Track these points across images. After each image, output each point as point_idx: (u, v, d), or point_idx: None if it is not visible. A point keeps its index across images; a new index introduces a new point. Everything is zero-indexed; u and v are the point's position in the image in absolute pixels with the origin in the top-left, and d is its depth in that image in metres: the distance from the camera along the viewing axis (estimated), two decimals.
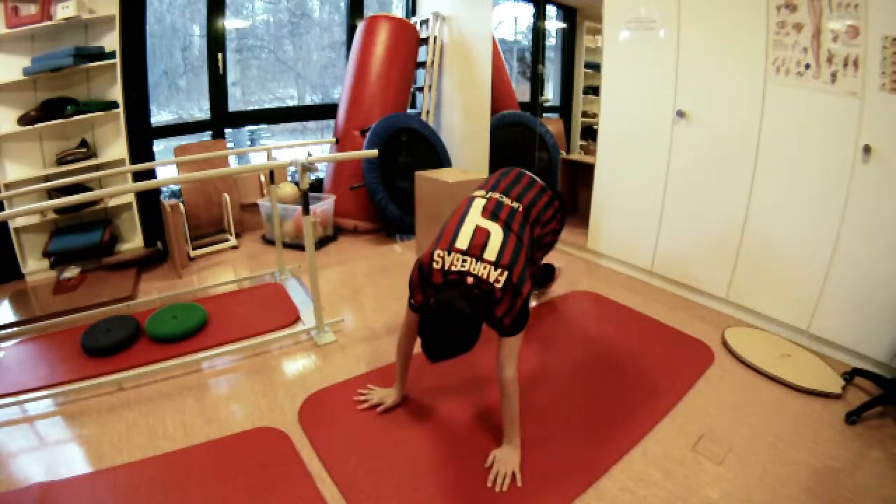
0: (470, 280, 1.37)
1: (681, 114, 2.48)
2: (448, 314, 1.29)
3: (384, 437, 1.64)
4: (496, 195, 1.59)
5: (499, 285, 1.34)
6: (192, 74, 3.71)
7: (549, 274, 2.58)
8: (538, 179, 1.75)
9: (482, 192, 1.61)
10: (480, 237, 1.41)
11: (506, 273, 1.35)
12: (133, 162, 2.90)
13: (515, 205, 1.58)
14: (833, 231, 2.02)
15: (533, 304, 2.66)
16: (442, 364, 1.67)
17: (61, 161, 2.83)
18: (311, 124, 4.39)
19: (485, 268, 1.36)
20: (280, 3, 4.00)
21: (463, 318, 1.28)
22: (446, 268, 1.39)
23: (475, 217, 1.48)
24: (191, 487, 1.43)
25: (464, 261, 1.38)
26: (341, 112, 3.70)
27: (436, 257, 1.42)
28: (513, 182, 1.68)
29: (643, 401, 1.82)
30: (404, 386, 1.77)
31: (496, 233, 1.42)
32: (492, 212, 1.50)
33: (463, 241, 1.41)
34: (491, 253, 1.37)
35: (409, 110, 3.99)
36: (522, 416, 1.54)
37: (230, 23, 3.59)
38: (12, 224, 2.75)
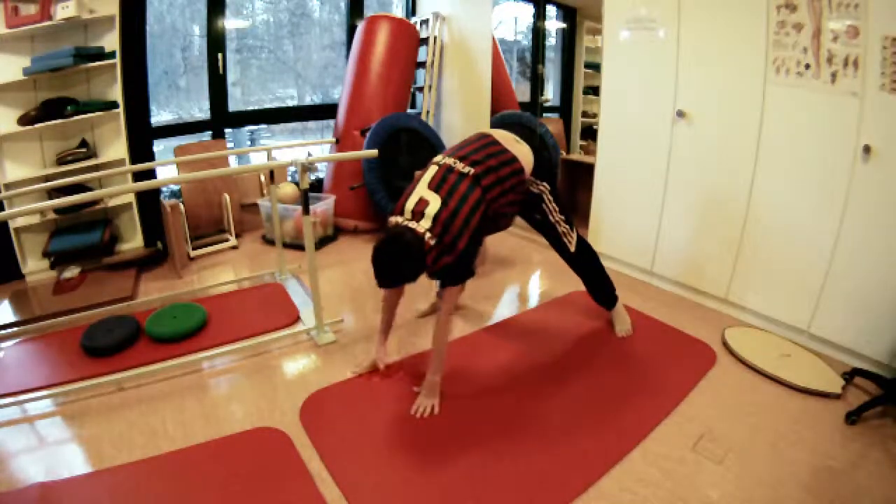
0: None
1: (681, 114, 2.48)
2: (395, 242, 1.55)
3: (385, 437, 1.64)
4: (450, 161, 1.74)
5: (431, 243, 1.57)
6: (192, 74, 3.71)
7: (609, 289, 2.28)
8: (508, 150, 1.82)
9: (440, 158, 1.79)
10: (421, 206, 1.63)
11: (434, 239, 1.58)
12: (133, 162, 2.89)
13: (466, 170, 1.70)
14: (833, 231, 2.02)
15: (534, 305, 2.66)
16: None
17: (61, 161, 2.83)
18: (311, 124, 4.38)
19: (421, 228, 1.59)
20: (280, 3, 4.00)
21: (407, 245, 1.54)
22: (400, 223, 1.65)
23: (423, 187, 1.69)
24: (191, 487, 1.43)
25: (408, 220, 1.63)
26: (341, 112, 3.70)
27: (391, 221, 1.69)
28: (476, 149, 1.80)
29: (643, 401, 1.83)
30: (385, 342, 1.99)
31: (434, 203, 1.62)
32: (437, 182, 1.68)
33: (407, 209, 1.65)
34: (426, 220, 1.60)
35: (409, 110, 3.98)
36: (523, 415, 1.55)
37: (230, 23, 3.59)
38: (12, 224, 2.75)
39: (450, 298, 1.76)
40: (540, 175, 1.96)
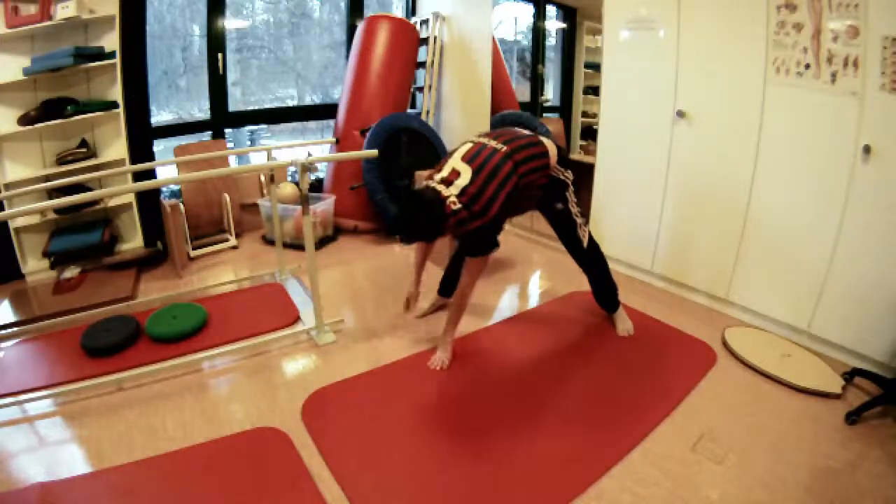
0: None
1: (681, 114, 2.48)
2: (416, 198, 1.72)
3: (386, 437, 1.64)
4: (483, 140, 1.89)
5: (455, 207, 1.70)
6: (192, 74, 3.71)
7: (613, 292, 2.32)
8: (533, 135, 1.96)
9: (475, 137, 1.93)
10: (452, 176, 1.77)
11: (459, 205, 1.71)
12: (133, 162, 2.89)
13: (499, 146, 1.83)
14: (833, 231, 2.02)
15: (534, 304, 2.66)
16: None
17: (61, 161, 2.83)
18: (312, 124, 4.38)
19: (447, 192, 1.73)
20: (280, 3, 4.00)
21: (426, 203, 1.69)
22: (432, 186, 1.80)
23: (457, 159, 1.83)
24: (191, 487, 1.43)
25: (437, 184, 1.78)
26: (341, 112, 3.70)
27: (422, 185, 1.84)
28: (504, 131, 1.96)
29: (644, 400, 1.83)
30: (418, 283, 2.20)
31: (465, 175, 1.76)
32: (471, 156, 1.81)
33: (437, 178, 1.80)
34: (455, 188, 1.74)
35: (409, 110, 3.98)
36: (522, 414, 1.57)
37: (230, 23, 3.59)
38: (12, 224, 2.75)
39: (472, 269, 1.89)
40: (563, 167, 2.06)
